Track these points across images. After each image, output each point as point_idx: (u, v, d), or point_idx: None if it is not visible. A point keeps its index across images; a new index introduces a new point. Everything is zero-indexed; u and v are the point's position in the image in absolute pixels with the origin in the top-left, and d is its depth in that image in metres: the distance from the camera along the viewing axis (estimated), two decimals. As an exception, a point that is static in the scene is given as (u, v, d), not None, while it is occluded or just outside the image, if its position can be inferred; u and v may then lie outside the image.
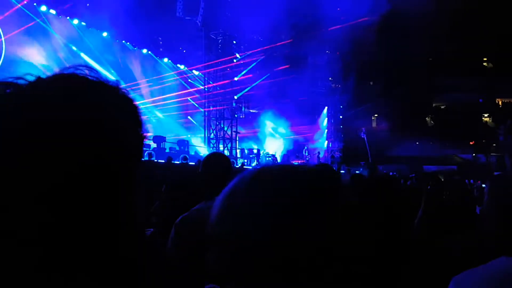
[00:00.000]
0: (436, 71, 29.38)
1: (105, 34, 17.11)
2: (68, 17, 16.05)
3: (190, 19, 17.29)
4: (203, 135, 19.07)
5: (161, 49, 19.96)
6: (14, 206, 0.49)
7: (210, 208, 0.79)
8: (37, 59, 14.55)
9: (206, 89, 19.03)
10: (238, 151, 19.12)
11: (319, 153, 21.25)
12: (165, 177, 5.87)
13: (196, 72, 20.76)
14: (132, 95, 0.62)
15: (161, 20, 17.00)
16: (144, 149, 0.66)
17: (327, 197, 0.78)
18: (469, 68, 29.87)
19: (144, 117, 0.62)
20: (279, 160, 19.84)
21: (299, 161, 19.95)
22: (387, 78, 27.77)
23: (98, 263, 0.53)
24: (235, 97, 18.74)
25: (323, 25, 19.39)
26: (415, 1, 18.66)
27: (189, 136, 19.05)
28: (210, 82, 18.75)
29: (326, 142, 24.42)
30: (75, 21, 16.19)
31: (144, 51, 19.23)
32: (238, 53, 19.15)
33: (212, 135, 18.44)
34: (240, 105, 19.12)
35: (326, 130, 24.58)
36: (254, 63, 20.09)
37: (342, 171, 17.33)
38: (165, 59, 20.03)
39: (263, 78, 20.53)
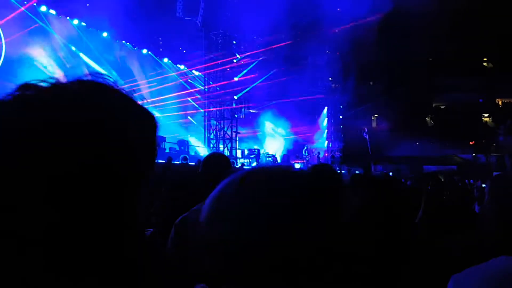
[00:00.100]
0: (436, 71, 29.36)
1: (105, 34, 17.11)
2: (68, 17, 16.05)
3: (190, 19, 17.28)
4: (203, 135, 19.07)
5: (161, 49, 19.97)
6: (19, 206, 0.49)
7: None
8: (37, 59, 14.55)
9: (206, 90, 19.03)
10: (238, 151, 19.13)
11: (319, 153, 21.24)
12: (165, 177, 5.87)
13: (196, 72, 20.77)
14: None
15: (161, 20, 17.01)
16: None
17: (325, 198, 0.78)
18: (469, 68, 29.85)
19: (154, 119, 0.62)
20: (279, 160, 19.83)
21: (299, 161, 19.96)
22: (387, 78, 27.76)
23: (100, 263, 0.53)
24: (235, 97, 18.74)
25: (323, 25, 19.38)
26: (415, 1, 18.65)
27: (189, 136, 19.06)
28: (210, 82, 18.75)
29: (326, 142, 24.42)
30: (75, 21, 16.19)
31: (144, 51, 19.23)
32: (238, 53, 19.15)
33: (212, 135, 18.45)
34: (240, 105, 19.12)
35: (326, 130, 24.58)
36: (254, 64, 20.09)
37: (342, 171, 17.33)
38: (165, 59, 20.03)
39: (263, 78, 20.53)
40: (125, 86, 0.64)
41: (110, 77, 0.61)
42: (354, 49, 20.72)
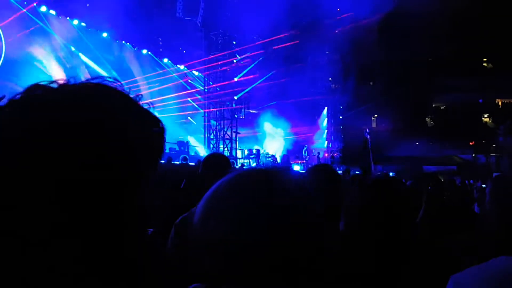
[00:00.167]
0: (436, 71, 29.37)
1: (105, 34, 17.12)
2: (68, 18, 16.05)
3: (190, 19, 17.29)
4: (202, 135, 19.07)
5: (161, 50, 19.96)
6: (20, 206, 0.49)
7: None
8: (37, 59, 14.56)
9: (206, 90, 19.03)
10: (238, 151, 19.12)
11: (318, 153, 21.24)
12: (165, 177, 5.87)
13: (196, 73, 20.77)
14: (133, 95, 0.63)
15: (161, 21, 17.01)
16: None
17: (324, 198, 0.79)
18: (469, 68, 29.85)
19: (157, 121, 0.63)
20: (279, 160, 19.83)
21: (299, 162, 19.96)
22: (387, 79, 27.76)
23: (100, 263, 0.53)
24: (235, 98, 18.74)
25: (323, 26, 19.38)
26: (415, 1, 18.66)
27: (188, 137, 19.06)
28: (210, 82, 18.75)
29: (326, 142, 24.42)
30: (75, 22, 16.20)
31: (144, 51, 19.23)
32: (238, 54, 19.15)
33: (212, 136, 18.45)
34: (240, 106, 19.12)
35: (326, 131, 24.58)
36: (254, 64, 20.09)
37: (342, 172, 17.30)
38: (165, 60, 20.03)
39: (263, 78, 20.53)
40: (125, 86, 0.65)
41: (119, 81, 0.61)
42: (354, 49, 20.73)
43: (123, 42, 18.41)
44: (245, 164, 17.84)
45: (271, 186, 0.76)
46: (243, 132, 20.34)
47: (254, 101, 20.83)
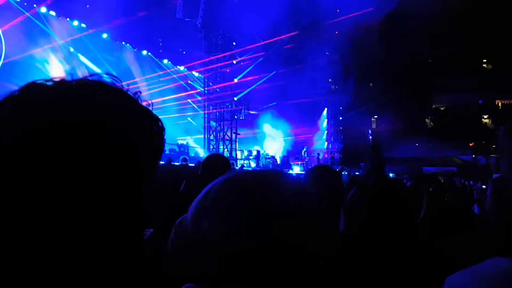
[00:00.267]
0: (436, 72, 29.39)
1: (105, 35, 17.13)
2: (68, 19, 16.06)
3: (190, 20, 17.29)
4: (202, 136, 19.07)
5: (160, 51, 19.98)
6: (21, 206, 0.49)
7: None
8: (37, 60, 14.56)
9: (205, 91, 19.04)
10: (238, 152, 19.13)
11: (318, 154, 21.24)
12: (165, 178, 5.87)
13: (196, 74, 20.78)
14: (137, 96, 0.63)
15: (161, 22, 17.02)
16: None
17: (324, 199, 0.79)
18: (469, 69, 29.88)
19: (157, 120, 0.63)
20: (278, 161, 19.83)
21: (299, 163, 19.95)
22: (387, 79, 27.77)
23: (99, 263, 0.53)
24: (235, 99, 18.75)
25: (323, 26, 19.39)
26: (415, 1, 18.67)
27: (188, 138, 19.06)
28: (210, 83, 18.76)
29: (325, 143, 24.42)
30: (75, 23, 16.21)
31: (144, 52, 19.24)
32: (238, 55, 19.16)
33: (212, 137, 18.45)
34: (240, 107, 19.13)
35: (326, 132, 24.57)
36: (254, 65, 20.10)
37: (342, 172, 17.29)
38: (165, 61, 20.04)
39: (263, 79, 20.55)
40: (125, 87, 0.64)
41: (116, 77, 0.61)
42: (353, 50, 20.73)
43: (123, 43, 18.42)
44: (245, 165, 17.83)
45: (269, 186, 0.76)
46: (243, 133, 20.34)
47: (254, 102, 20.83)
